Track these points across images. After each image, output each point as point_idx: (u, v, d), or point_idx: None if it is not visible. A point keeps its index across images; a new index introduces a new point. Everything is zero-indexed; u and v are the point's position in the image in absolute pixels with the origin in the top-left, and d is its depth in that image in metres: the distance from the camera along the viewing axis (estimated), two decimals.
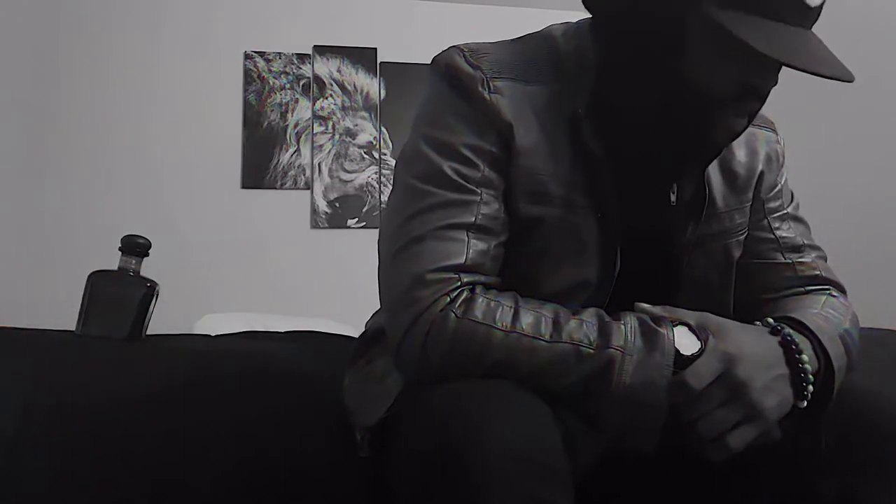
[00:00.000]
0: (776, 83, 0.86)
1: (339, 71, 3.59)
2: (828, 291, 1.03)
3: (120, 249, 1.32)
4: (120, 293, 1.30)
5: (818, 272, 1.04)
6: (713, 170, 0.99)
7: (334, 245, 3.47)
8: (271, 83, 3.50)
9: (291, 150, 3.50)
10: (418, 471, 0.74)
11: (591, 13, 0.93)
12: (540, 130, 0.90)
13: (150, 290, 1.31)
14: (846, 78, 0.80)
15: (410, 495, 0.75)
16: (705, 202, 0.97)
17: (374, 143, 3.58)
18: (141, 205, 3.27)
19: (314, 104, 3.54)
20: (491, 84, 0.89)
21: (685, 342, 0.82)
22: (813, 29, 0.84)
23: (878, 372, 1.13)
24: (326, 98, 3.56)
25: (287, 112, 3.51)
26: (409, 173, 0.91)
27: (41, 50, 3.29)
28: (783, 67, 0.83)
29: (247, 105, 3.47)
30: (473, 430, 0.71)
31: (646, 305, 0.87)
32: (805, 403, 0.85)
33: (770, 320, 0.90)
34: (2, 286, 3.05)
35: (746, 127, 0.90)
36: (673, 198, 0.96)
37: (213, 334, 1.53)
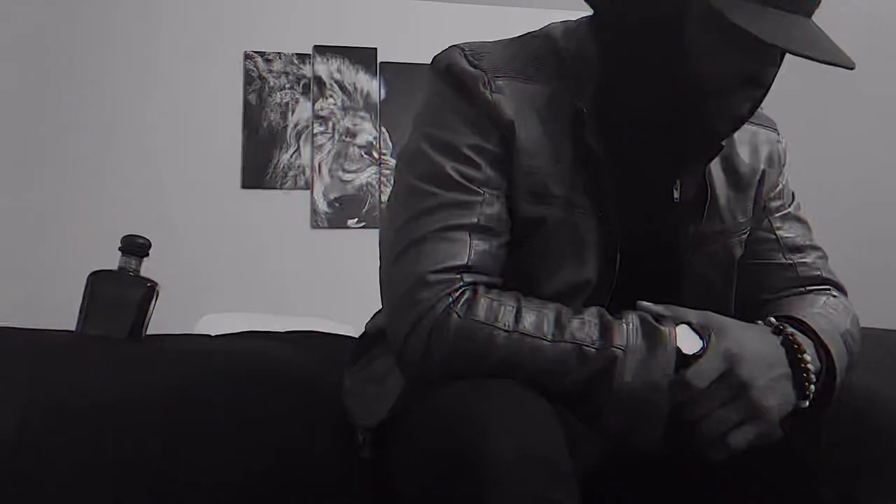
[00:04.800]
0: (777, 72, 0.86)
1: (339, 71, 3.58)
2: (828, 292, 1.03)
3: (120, 249, 1.32)
4: (120, 293, 1.30)
5: (819, 272, 1.04)
6: (716, 168, 0.99)
7: (334, 245, 3.47)
8: (271, 83, 3.50)
9: (291, 150, 3.50)
10: (424, 471, 0.74)
11: (592, 8, 0.93)
12: (541, 129, 0.90)
13: (150, 290, 1.31)
14: (845, 64, 0.80)
15: (416, 496, 0.75)
16: (707, 200, 0.97)
17: (374, 143, 3.58)
18: (141, 205, 3.27)
19: (314, 104, 3.54)
20: (492, 83, 0.89)
21: (687, 341, 0.82)
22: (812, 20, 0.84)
23: (879, 372, 1.13)
24: (326, 98, 3.56)
25: (287, 112, 3.51)
26: (410, 174, 0.90)
27: (41, 50, 3.29)
28: (786, 58, 0.82)
29: (247, 105, 3.47)
30: (480, 431, 0.70)
31: (648, 304, 0.87)
32: (807, 403, 0.85)
33: (772, 319, 0.90)
34: (2, 286, 3.04)
35: (750, 115, 0.89)
36: (676, 195, 0.95)
37: (213, 334, 1.53)
